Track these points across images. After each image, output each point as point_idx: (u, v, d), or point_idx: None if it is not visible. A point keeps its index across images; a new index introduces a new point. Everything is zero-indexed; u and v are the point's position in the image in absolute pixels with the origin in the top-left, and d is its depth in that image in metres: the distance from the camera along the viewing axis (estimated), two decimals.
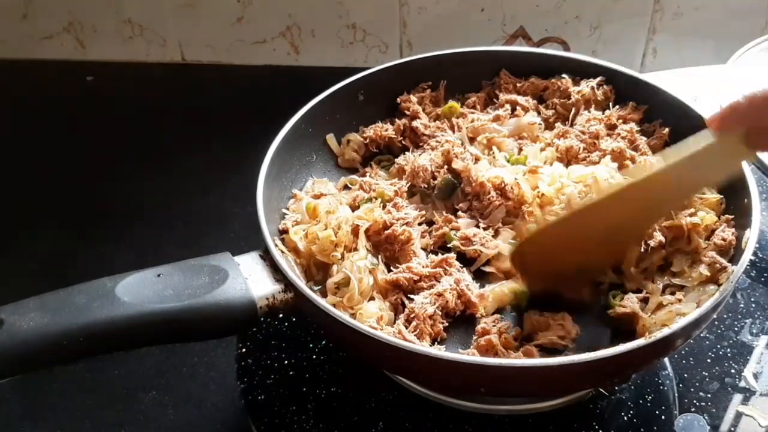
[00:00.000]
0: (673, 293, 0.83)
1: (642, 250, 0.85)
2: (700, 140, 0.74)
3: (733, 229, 0.84)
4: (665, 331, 0.71)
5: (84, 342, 0.69)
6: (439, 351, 0.74)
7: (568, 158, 0.97)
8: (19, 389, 0.90)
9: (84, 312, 0.70)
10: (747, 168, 0.86)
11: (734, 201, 0.88)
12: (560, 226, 0.82)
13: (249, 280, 0.77)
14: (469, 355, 0.78)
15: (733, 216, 0.86)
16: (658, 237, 0.85)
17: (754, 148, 0.74)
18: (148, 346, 0.74)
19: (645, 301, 0.83)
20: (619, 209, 0.79)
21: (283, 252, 0.85)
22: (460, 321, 0.84)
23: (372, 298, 0.84)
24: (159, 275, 0.75)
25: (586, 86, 1.03)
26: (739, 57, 1.15)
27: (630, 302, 0.81)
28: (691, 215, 0.86)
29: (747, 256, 0.78)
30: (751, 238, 0.80)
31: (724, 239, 0.84)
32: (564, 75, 1.05)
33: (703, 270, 0.82)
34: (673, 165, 0.76)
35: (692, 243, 0.85)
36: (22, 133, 1.34)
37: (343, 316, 0.75)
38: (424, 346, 0.76)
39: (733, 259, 0.82)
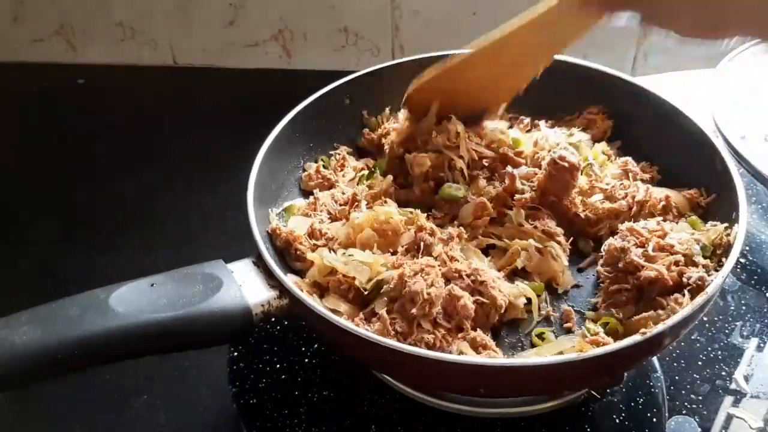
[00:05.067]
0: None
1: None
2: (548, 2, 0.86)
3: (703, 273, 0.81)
4: (654, 330, 0.71)
5: (79, 354, 0.69)
6: (437, 353, 0.74)
7: None
8: (10, 395, 0.89)
9: (78, 324, 0.69)
10: (733, 168, 0.86)
11: (723, 199, 0.88)
12: (447, 74, 0.95)
13: (243, 287, 0.77)
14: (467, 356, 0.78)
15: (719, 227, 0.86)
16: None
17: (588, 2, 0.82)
18: (143, 357, 0.74)
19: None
20: (490, 62, 0.94)
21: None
22: None
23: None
24: (152, 285, 0.74)
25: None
26: (729, 61, 1.16)
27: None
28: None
29: (736, 252, 0.78)
30: (739, 234, 0.80)
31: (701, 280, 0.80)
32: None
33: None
34: (523, 25, 0.88)
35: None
36: (12, 137, 1.33)
37: (341, 320, 0.75)
38: (422, 349, 0.75)
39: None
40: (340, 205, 0.93)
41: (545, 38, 0.91)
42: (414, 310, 0.77)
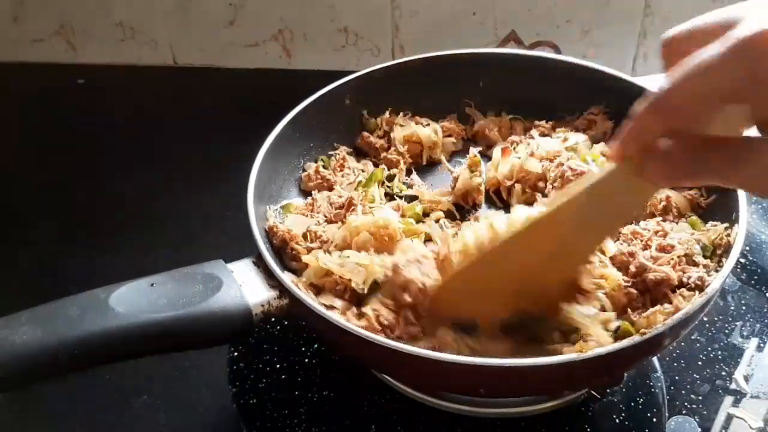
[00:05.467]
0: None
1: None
2: (605, 168, 0.66)
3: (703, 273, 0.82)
4: (653, 331, 0.71)
5: (79, 354, 0.69)
6: (437, 353, 0.74)
7: None
8: (10, 395, 0.89)
9: (78, 324, 0.69)
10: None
11: (723, 199, 0.88)
12: (468, 273, 0.74)
13: (243, 287, 0.77)
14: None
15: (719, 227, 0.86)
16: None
17: (645, 177, 0.59)
18: (143, 356, 0.74)
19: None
20: (527, 252, 0.72)
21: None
22: None
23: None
24: (152, 285, 0.74)
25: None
26: None
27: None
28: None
29: (736, 253, 0.78)
30: (739, 234, 0.80)
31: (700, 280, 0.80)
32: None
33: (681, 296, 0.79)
34: (573, 198, 0.67)
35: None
36: (12, 137, 1.33)
37: (341, 320, 0.75)
38: (422, 349, 0.76)
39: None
40: (336, 208, 0.93)
41: (601, 214, 0.69)
42: (407, 297, 0.76)
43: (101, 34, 1.43)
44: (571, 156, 0.95)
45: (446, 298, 0.76)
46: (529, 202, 0.94)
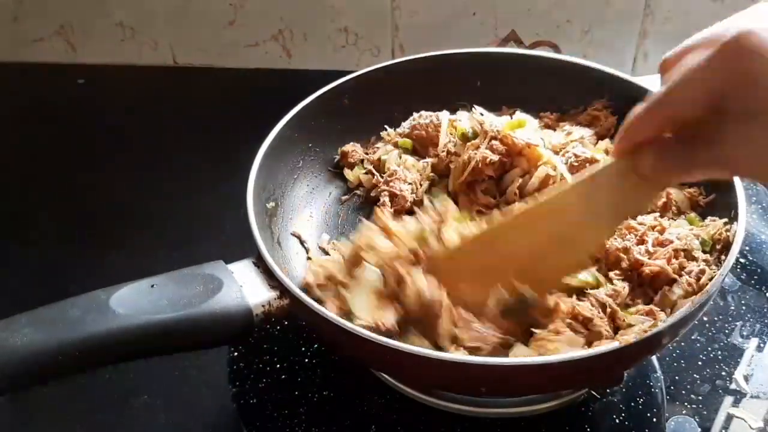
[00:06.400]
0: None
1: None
2: (606, 161, 0.69)
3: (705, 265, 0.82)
4: (653, 330, 0.71)
5: (80, 356, 0.69)
6: (437, 353, 0.74)
7: None
8: (10, 395, 0.89)
9: (79, 325, 0.69)
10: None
11: (722, 198, 0.88)
12: (468, 251, 0.77)
13: (244, 287, 0.77)
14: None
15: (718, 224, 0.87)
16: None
17: (638, 170, 0.64)
18: (144, 358, 0.74)
19: None
20: (528, 234, 0.74)
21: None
22: None
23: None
24: (153, 285, 0.74)
25: None
26: None
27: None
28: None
29: (735, 251, 0.78)
30: (738, 233, 0.80)
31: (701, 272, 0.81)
32: None
33: (677, 290, 0.80)
34: (574, 186, 0.71)
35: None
36: (12, 137, 1.33)
37: (341, 320, 0.75)
38: (423, 349, 0.76)
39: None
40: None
41: (604, 203, 0.71)
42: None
43: (101, 34, 1.43)
44: (576, 145, 0.96)
45: (452, 269, 0.77)
46: None
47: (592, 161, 0.91)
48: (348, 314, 0.77)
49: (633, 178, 0.65)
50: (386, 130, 1.07)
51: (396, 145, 1.04)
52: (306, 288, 0.82)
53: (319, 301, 0.80)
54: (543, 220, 0.74)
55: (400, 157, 1.02)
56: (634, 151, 0.64)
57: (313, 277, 0.83)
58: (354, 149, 1.05)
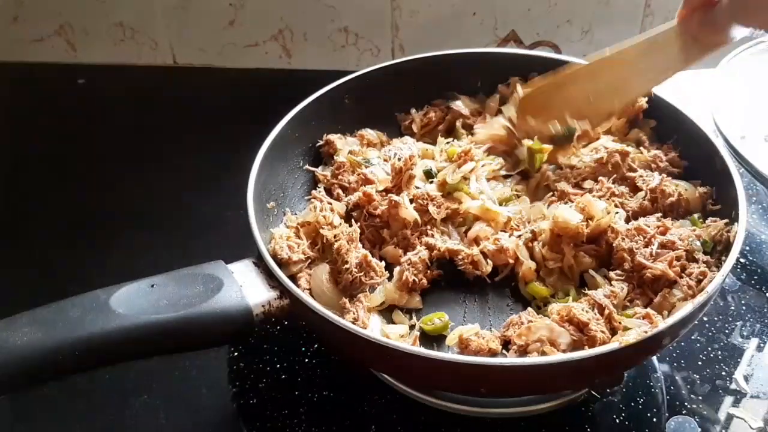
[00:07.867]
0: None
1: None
2: (665, 25, 0.87)
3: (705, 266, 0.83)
4: (653, 330, 0.72)
5: (80, 356, 0.69)
6: (437, 353, 0.74)
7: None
8: (10, 394, 0.89)
9: (79, 325, 0.69)
10: (733, 168, 0.87)
11: (723, 199, 0.89)
12: (548, 89, 0.96)
13: (244, 287, 0.77)
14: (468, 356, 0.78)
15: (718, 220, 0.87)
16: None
17: (694, 34, 0.83)
18: (144, 358, 0.74)
19: None
20: (595, 78, 0.93)
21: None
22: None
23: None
24: (153, 285, 0.74)
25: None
26: (729, 61, 1.16)
27: None
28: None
29: (735, 252, 0.78)
30: (738, 233, 0.80)
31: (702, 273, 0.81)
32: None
33: (678, 292, 0.80)
34: (634, 46, 0.89)
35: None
36: (12, 136, 1.33)
37: (341, 320, 0.75)
38: (423, 349, 0.76)
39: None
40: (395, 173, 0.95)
41: (656, 61, 0.89)
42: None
43: (101, 34, 1.43)
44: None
45: (527, 105, 0.97)
46: None
47: (623, 153, 0.95)
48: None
49: (685, 39, 0.84)
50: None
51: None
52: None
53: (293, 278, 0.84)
54: (605, 71, 0.92)
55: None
56: (691, 15, 0.82)
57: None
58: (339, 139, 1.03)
